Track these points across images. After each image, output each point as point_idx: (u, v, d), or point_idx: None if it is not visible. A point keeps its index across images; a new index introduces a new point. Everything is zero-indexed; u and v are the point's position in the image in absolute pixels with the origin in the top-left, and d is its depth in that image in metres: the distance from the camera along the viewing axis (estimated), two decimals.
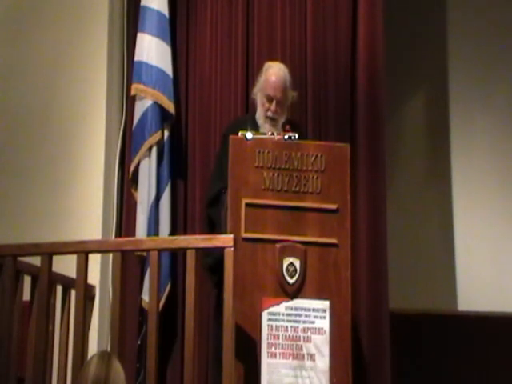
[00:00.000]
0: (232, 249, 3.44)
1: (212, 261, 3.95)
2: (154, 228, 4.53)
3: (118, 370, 2.73)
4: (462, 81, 5.55)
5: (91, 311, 4.42)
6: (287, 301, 3.70)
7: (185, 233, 4.58)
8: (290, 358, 3.66)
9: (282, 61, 4.53)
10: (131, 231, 4.60)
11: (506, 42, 5.56)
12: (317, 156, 3.84)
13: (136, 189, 4.63)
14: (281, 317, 3.68)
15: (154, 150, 4.62)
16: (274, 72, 4.17)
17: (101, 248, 3.89)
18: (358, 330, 4.13)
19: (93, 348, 4.18)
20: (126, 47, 4.91)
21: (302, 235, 3.76)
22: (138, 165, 4.61)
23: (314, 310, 3.70)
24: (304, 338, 3.68)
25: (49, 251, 3.63)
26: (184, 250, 3.62)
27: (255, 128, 4.05)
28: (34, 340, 3.67)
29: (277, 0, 4.75)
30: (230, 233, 3.62)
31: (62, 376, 4.01)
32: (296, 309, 3.69)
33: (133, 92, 4.68)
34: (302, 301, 3.70)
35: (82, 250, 3.60)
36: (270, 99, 4.11)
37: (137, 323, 4.51)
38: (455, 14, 5.62)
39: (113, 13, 4.87)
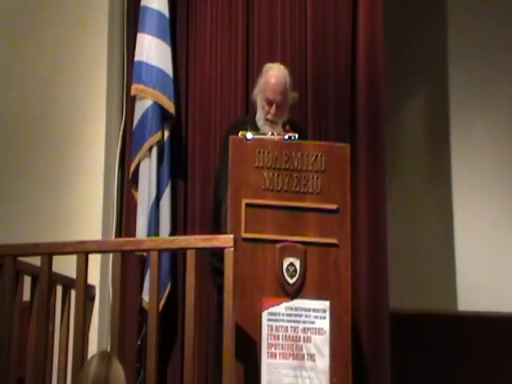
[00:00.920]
0: (232, 249, 3.44)
1: (221, 264, 3.96)
2: (154, 228, 4.53)
3: (118, 370, 2.74)
4: (462, 81, 5.55)
5: (91, 311, 4.42)
6: (287, 301, 3.70)
7: (185, 233, 4.58)
8: (290, 358, 3.66)
9: (282, 61, 4.53)
10: (131, 231, 4.60)
11: (506, 41, 5.56)
12: (317, 156, 3.84)
13: (136, 189, 4.63)
14: (281, 317, 3.68)
15: (154, 150, 4.62)
16: (274, 74, 4.16)
17: (101, 248, 3.90)
18: (357, 330, 4.13)
19: (93, 348, 4.18)
20: (126, 47, 4.91)
21: (302, 235, 3.76)
22: (138, 165, 4.61)
23: (314, 310, 3.70)
24: (304, 338, 3.68)
25: (49, 251, 3.63)
26: (184, 250, 3.62)
27: (255, 129, 4.05)
28: (33, 340, 3.67)
29: (277, 0, 4.75)
30: (230, 233, 3.62)
31: (61, 376, 4.01)
32: (296, 309, 3.69)
33: (133, 92, 4.68)
34: (302, 301, 3.70)
35: (82, 250, 3.60)
36: (269, 102, 4.11)
37: (137, 323, 4.51)
38: (455, 14, 5.61)
39: (113, 13, 4.86)
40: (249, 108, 4.61)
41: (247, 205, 3.75)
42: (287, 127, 4.04)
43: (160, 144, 4.64)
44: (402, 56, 5.44)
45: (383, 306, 4.30)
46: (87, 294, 3.79)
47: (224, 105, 4.71)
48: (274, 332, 3.66)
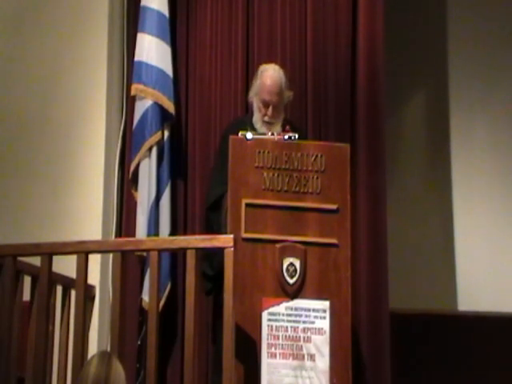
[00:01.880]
0: (232, 249, 3.44)
1: (209, 270, 3.97)
2: (154, 228, 4.52)
3: (118, 370, 2.73)
4: (462, 81, 5.55)
5: (91, 311, 4.42)
6: (287, 301, 3.70)
7: (185, 233, 4.58)
8: (290, 358, 3.66)
9: (282, 61, 4.54)
10: (131, 231, 4.60)
11: (507, 41, 5.56)
12: (317, 156, 3.84)
13: (136, 189, 4.63)
14: (281, 317, 3.68)
15: (154, 150, 4.61)
16: (269, 75, 4.17)
17: (101, 248, 3.89)
18: (357, 330, 4.13)
19: (93, 348, 4.18)
20: (126, 47, 4.90)
21: (302, 235, 3.76)
22: (138, 165, 4.61)
23: (314, 310, 3.70)
24: (304, 338, 3.68)
25: (49, 251, 3.63)
26: (184, 250, 3.61)
27: (253, 131, 4.05)
28: (33, 340, 3.67)
29: (277, 0, 4.75)
30: (230, 233, 3.62)
31: (62, 376, 4.01)
32: (296, 309, 3.69)
33: (133, 92, 4.68)
34: (302, 301, 3.70)
35: (82, 250, 3.60)
36: (266, 104, 4.12)
37: (137, 323, 4.50)
38: (455, 14, 5.61)
39: (113, 13, 4.86)
40: (249, 108, 4.61)
41: (247, 205, 3.75)
42: (287, 127, 4.04)
43: (160, 144, 4.64)
44: (402, 56, 5.44)
45: (383, 306, 4.30)
46: (87, 294, 3.79)
47: (224, 105, 4.71)
48: (274, 332, 3.66)
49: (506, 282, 5.25)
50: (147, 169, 4.59)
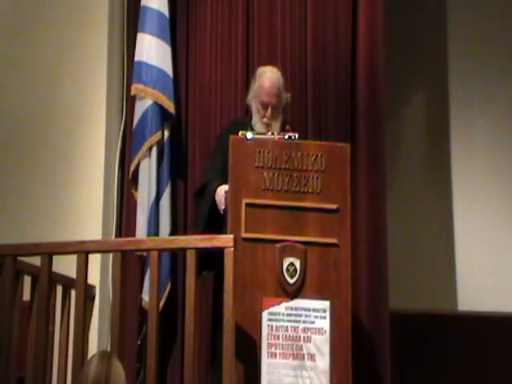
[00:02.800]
0: (232, 249, 3.44)
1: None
2: (154, 228, 4.53)
3: (118, 369, 2.73)
4: (461, 81, 5.55)
5: (91, 311, 4.42)
6: (287, 301, 3.70)
7: (185, 233, 4.58)
8: (290, 358, 3.66)
9: (282, 61, 4.55)
10: (131, 231, 4.60)
11: (507, 41, 5.56)
12: (317, 156, 3.84)
13: (136, 189, 4.63)
14: (281, 317, 3.68)
15: (154, 150, 4.62)
16: (268, 77, 4.18)
17: (101, 248, 3.89)
18: (358, 329, 4.13)
19: (93, 348, 4.18)
20: (126, 47, 4.91)
21: (302, 235, 3.75)
22: (138, 165, 4.61)
23: (314, 310, 3.70)
24: (304, 338, 3.68)
25: (49, 251, 3.63)
26: (184, 250, 3.61)
27: None
28: (33, 340, 3.67)
29: (277, 0, 4.75)
30: (230, 233, 3.62)
31: (61, 376, 4.01)
32: (296, 309, 3.69)
33: (133, 92, 4.68)
34: (302, 301, 3.70)
35: (82, 250, 3.60)
36: (265, 106, 4.13)
37: (137, 323, 4.51)
38: (455, 14, 5.62)
39: (113, 13, 4.86)
40: (249, 108, 4.61)
41: (247, 205, 3.74)
42: (287, 127, 4.04)
43: (160, 144, 4.64)
44: (402, 56, 5.45)
45: (383, 306, 4.30)
46: (87, 294, 3.78)
47: (224, 105, 4.71)
48: (274, 332, 3.66)
49: (506, 282, 5.25)
50: (147, 169, 4.59)
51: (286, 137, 3.88)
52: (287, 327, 3.67)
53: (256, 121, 4.17)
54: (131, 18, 4.91)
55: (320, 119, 4.59)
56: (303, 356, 3.66)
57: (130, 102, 4.77)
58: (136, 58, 4.71)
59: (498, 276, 5.27)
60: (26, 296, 3.85)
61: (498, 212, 5.39)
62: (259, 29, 4.74)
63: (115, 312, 3.57)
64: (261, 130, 4.10)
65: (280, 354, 3.65)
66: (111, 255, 4.12)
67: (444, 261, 5.33)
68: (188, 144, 4.77)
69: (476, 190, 5.43)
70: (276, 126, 4.13)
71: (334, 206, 3.79)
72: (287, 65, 4.56)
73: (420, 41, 5.59)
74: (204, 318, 4.41)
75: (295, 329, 3.68)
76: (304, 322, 3.69)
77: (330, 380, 3.64)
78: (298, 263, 3.72)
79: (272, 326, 3.66)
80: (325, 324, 3.69)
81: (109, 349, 3.64)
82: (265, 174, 3.79)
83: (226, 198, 3.88)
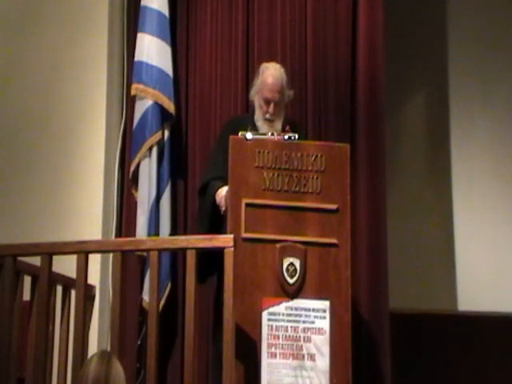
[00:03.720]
0: (232, 249, 3.44)
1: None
2: (154, 228, 4.53)
3: (118, 370, 2.73)
4: (461, 81, 5.55)
5: (91, 311, 4.42)
6: (287, 301, 3.70)
7: (185, 233, 4.58)
8: (290, 358, 3.66)
9: (282, 61, 4.54)
10: (131, 231, 4.60)
11: (507, 41, 5.56)
12: (317, 156, 3.84)
13: (136, 189, 4.63)
14: (281, 317, 3.68)
15: (155, 150, 4.62)
16: (271, 73, 4.17)
17: (101, 248, 3.89)
18: (358, 329, 4.13)
19: (93, 348, 4.18)
20: (125, 47, 4.91)
21: (302, 235, 3.75)
22: (138, 165, 4.61)
23: (314, 310, 3.70)
24: (304, 338, 3.68)
25: (49, 251, 3.63)
26: (184, 250, 3.61)
27: (254, 129, 4.05)
28: (34, 340, 3.67)
29: (277, 0, 4.75)
30: (230, 233, 3.62)
31: (62, 376, 4.01)
32: (296, 309, 3.69)
33: (133, 92, 4.68)
34: (302, 301, 3.70)
35: (82, 250, 3.60)
36: (267, 102, 4.12)
37: (137, 323, 4.51)
38: (455, 14, 5.62)
39: (113, 13, 4.87)
40: (249, 108, 4.62)
41: (247, 205, 3.74)
42: (287, 127, 4.04)
43: (160, 144, 4.64)
44: (402, 56, 5.45)
45: (383, 306, 4.30)
46: (87, 293, 3.78)
47: (224, 104, 4.71)
48: (274, 332, 3.66)
49: (506, 282, 5.25)
50: (147, 169, 4.59)
51: (286, 137, 3.87)
52: (287, 327, 3.67)
53: (258, 117, 4.17)
54: (131, 18, 4.91)
55: (320, 119, 4.59)
56: (303, 356, 3.66)
57: (130, 102, 4.78)
58: (136, 58, 4.71)
59: (498, 276, 5.27)
60: (26, 296, 3.85)
61: (498, 212, 5.39)
62: (259, 29, 4.75)
63: (115, 312, 3.57)
64: (263, 127, 4.10)
65: (280, 354, 3.65)
66: (111, 255, 4.12)
67: (444, 261, 5.33)
68: (188, 144, 4.77)
69: (476, 189, 5.43)
70: (278, 122, 4.12)
71: (334, 206, 3.79)
72: (287, 65, 4.55)
73: (420, 41, 5.59)
74: (204, 317, 4.42)
75: (295, 329, 3.68)
76: (304, 322, 3.69)
77: (330, 380, 3.64)
78: (297, 263, 3.72)
79: (272, 326, 3.66)
80: (325, 324, 3.69)
81: (109, 349, 3.64)
82: (265, 174, 3.79)
83: (226, 199, 3.88)
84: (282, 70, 4.21)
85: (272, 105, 4.12)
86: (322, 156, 3.84)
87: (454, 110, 5.54)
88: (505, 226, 5.37)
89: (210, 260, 3.76)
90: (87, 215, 4.59)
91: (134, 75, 4.70)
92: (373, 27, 4.58)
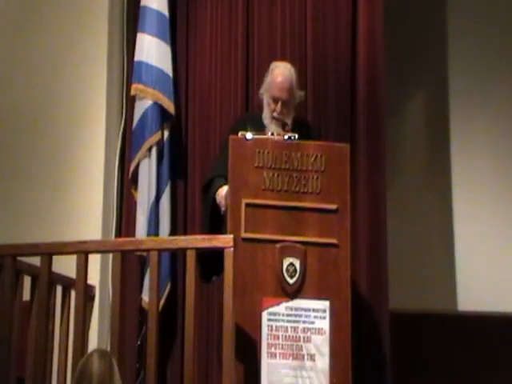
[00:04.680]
0: (232, 249, 3.44)
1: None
2: (154, 228, 4.53)
3: (117, 369, 2.74)
4: (461, 80, 5.55)
5: (91, 311, 4.42)
6: (287, 301, 3.70)
7: (185, 233, 4.58)
8: (290, 358, 3.65)
9: (282, 60, 4.53)
10: (131, 231, 4.60)
11: (507, 42, 5.56)
12: (317, 156, 3.84)
13: (136, 189, 4.63)
14: (281, 317, 3.68)
15: (154, 150, 4.62)
16: (280, 72, 4.16)
17: (101, 248, 3.89)
18: (357, 330, 4.13)
19: (93, 348, 4.17)
20: (125, 47, 4.91)
21: (301, 235, 3.75)
22: (137, 165, 4.61)
23: (313, 310, 3.70)
24: (304, 338, 3.68)
25: (49, 251, 3.63)
26: (184, 250, 3.61)
27: (261, 127, 4.05)
28: (34, 340, 3.67)
29: (277, 0, 4.75)
30: (230, 233, 3.62)
31: (61, 376, 4.01)
32: (296, 309, 3.69)
33: (133, 92, 4.69)
34: (301, 301, 3.70)
35: (82, 250, 3.60)
36: (275, 100, 4.10)
37: (137, 323, 4.51)
38: (455, 14, 5.61)
39: (113, 13, 4.87)
40: (249, 108, 4.62)
41: (247, 205, 3.74)
42: (287, 127, 4.04)
43: (160, 144, 4.64)
44: (402, 56, 5.44)
45: (383, 306, 4.30)
46: (87, 293, 3.79)
47: (224, 105, 4.71)
48: (273, 332, 3.66)
49: (506, 282, 5.25)
50: (147, 169, 4.59)
51: (286, 137, 3.87)
52: (287, 327, 3.67)
53: (266, 115, 4.14)
54: (131, 18, 4.91)
55: (320, 119, 4.58)
56: (303, 356, 3.66)
57: (130, 102, 4.78)
58: (136, 58, 4.71)
59: (498, 276, 5.27)
60: (26, 296, 3.85)
61: (498, 212, 5.39)
62: (259, 29, 4.74)
63: (115, 312, 3.57)
64: (270, 125, 4.08)
65: (280, 354, 3.65)
66: (111, 255, 4.12)
67: (444, 261, 5.33)
68: (188, 144, 4.77)
69: (476, 189, 5.43)
70: (287, 122, 4.10)
71: (334, 206, 3.79)
72: None
73: (420, 41, 5.59)
74: (204, 317, 4.42)
75: (295, 329, 3.68)
76: (304, 322, 3.69)
77: (330, 380, 3.64)
78: (297, 263, 3.72)
79: (272, 326, 3.66)
80: (324, 324, 3.69)
81: (109, 349, 3.64)
82: (265, 174, 3.79)
83: (226, 199, 3.88)
84: (293, 70, 4.19)
85: (280, 104, 4.09)
86: (321, 156, 3.84)
87: (453, 110, 5.54)
88: (505, 226, 5.37)
89: (215, 259, 3.74)
90: (87, 215, 4.59)
91: (134, 75, 4.70)
92: (373, 27, 4.58)
